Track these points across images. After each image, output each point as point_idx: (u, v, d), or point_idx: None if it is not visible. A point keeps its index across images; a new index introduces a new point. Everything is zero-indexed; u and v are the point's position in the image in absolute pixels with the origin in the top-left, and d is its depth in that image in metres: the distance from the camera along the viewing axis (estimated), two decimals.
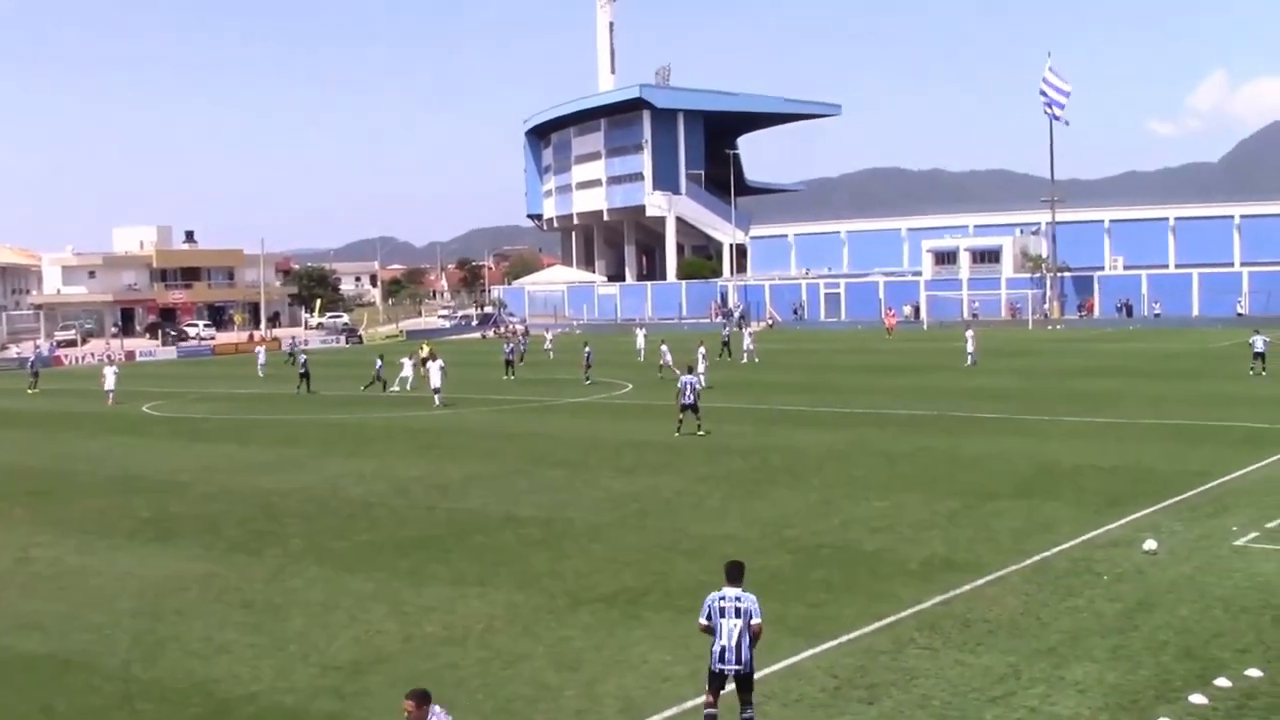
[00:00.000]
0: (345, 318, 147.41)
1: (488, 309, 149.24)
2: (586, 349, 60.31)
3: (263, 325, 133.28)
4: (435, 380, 48.53)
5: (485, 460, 33.50)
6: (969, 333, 64.47)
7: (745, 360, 67.39)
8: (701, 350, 54.90)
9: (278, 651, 16.42)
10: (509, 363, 62.48)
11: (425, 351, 58.70)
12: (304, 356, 62.51)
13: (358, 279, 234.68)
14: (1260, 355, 52.24)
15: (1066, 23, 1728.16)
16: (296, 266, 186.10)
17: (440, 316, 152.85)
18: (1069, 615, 16.88)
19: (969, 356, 61.00)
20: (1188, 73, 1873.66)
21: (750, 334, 75.55)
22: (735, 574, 12.87)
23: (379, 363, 57.72)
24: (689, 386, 37.07)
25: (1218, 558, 19.83)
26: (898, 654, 15.43)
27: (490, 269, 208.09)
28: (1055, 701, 13.63)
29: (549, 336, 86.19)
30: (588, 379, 57.32)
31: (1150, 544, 20.38)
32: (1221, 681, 13.95)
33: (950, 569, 19.59)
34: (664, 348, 60.30)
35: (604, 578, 19.82)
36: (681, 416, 36.95)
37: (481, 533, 23.82)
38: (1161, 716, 13.08)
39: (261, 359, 73.03)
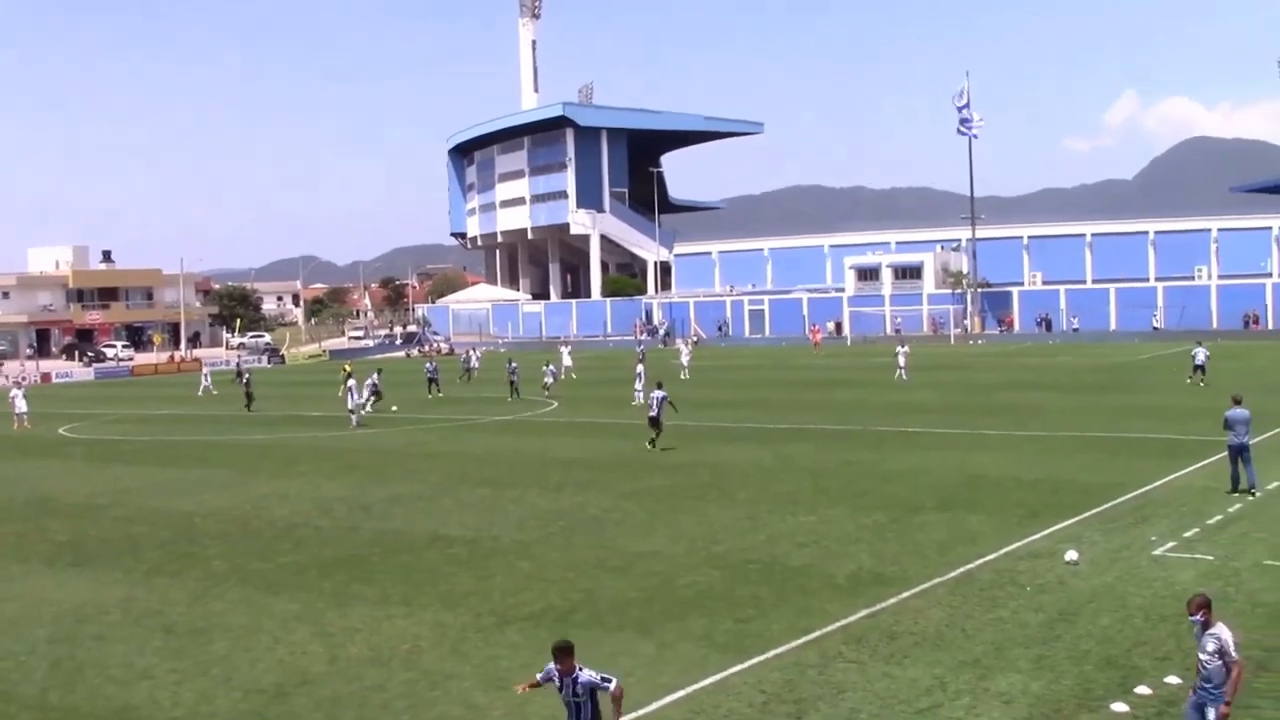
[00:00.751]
0: (267, 337, 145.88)
1: (411, 328, 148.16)
2: (512, 365, 60.36)
3: (183, 345, 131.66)
4: (350, 400, 48.40)
5: (410, 479, 33.26)
6: (903, 348, 65.10)
7: (683, 376, 67.24)
8: (640, 369, 54.98)
9: (200, 676, 16.17)
10: (432, 380, 62.34)
11: (346, 371, 58.30)
12: (248, 375, 61.98)
13: (280, 298, 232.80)
14: (1200, 367, 53.34)
15: (985, 42, 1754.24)
16: (217, 286, 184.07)
17: (352, 338, 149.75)
18: (993, 626, 17.04)
19: (900, 371, 61.55)
20: (1102, 91, 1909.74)
21: (689, 350, 75.65)
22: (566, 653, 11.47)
23: (375, 377, 56.58)
24: (655, 401, 37.43)
25: (1137, 567, 20.11)
26: (825, 668, 15.49)
27: (414, 288, 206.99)
28: (981, 713, 13.74)
29: (475, 355, 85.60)
30: (515, 396, 57.53)
31: (1071, 555, 20.63)
32: (1142, 689, 14.14)
33: (876, 582, 19.71)
34: (547, 367, 61.10)
35: (531, 596, 19.73)
36: (656, 433, 37.26)
37: (407, 552, 23.63)
38: None
39: (207, 380, 71.88)
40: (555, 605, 19.08)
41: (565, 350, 77.51)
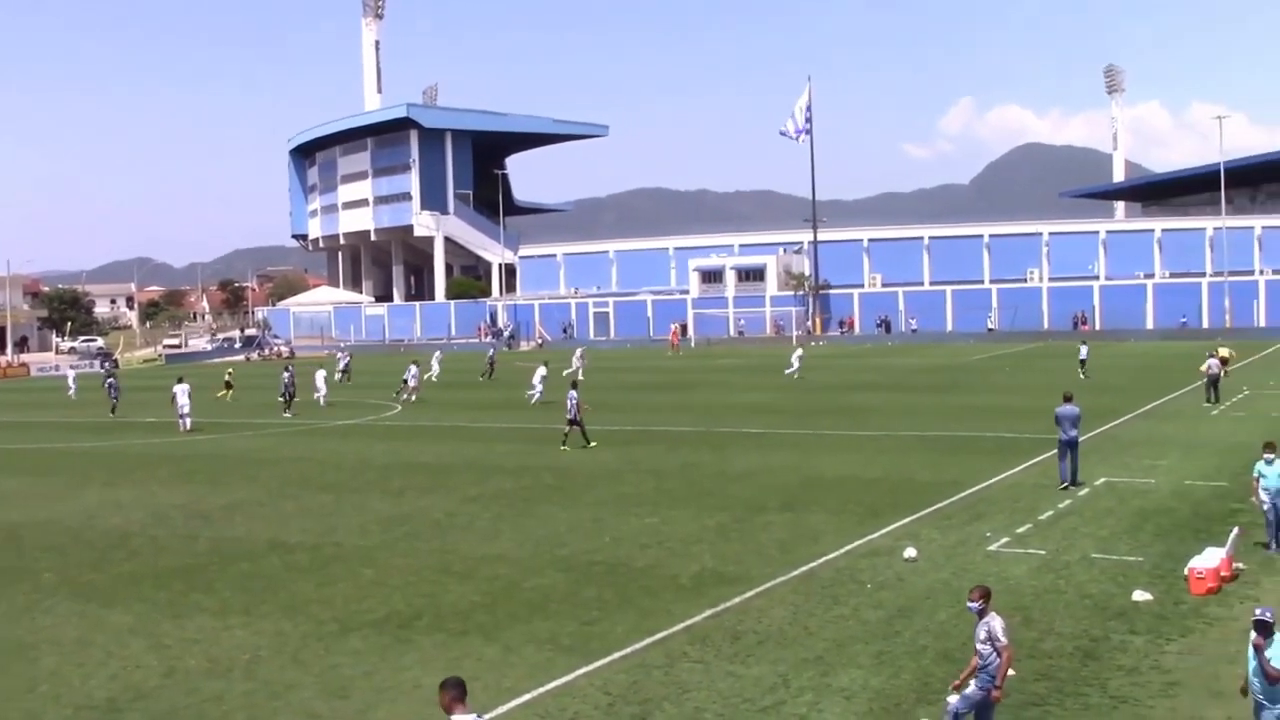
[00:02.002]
0: (100, 341, 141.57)
1: (250, 331, 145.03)
2: (413, 367, 58.96)
3: (9, 350, 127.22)
4: (175, 404, 47.05)
5: (250, 486, 32.58)
6: (799, 350, 67.98)
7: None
8: (542, 371, 53.83)
9: (26, 693, 15.61)
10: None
11: (228, 376, 57.09)
12: (113, 380, 60.23)
13: (113, 301, 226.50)
14: (1083, 361, 59.41)
15: (823, 48, 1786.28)
16: (46, 289, 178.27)
17: (166, 347, 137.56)
18: (835, 624, 17.31)
19: (793, 371, 63.55)
20: (938, 98, 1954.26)
21: (580, 357, 70.01)
22: None
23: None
24: (571, 402, 37.57)
25: (972, 563, 20.63)
26: (670, 668, 15.57)
27: (254, 290, 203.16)
28: (823, 709, 13.95)
29: (344, 356, 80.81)
30: (405, 396, 56.78)
31: (910, 552, 21.10)
32: None
33: (720, 582, 19.88)
34: (413, 368, 60.15)
35: (374, 602, 19.48)
36: (568, 431, 37.32)
37: (246, 560, 23.13)
38: (923, 718, 13.55)
39: (73, 384, 70.81)
40: (399, 611, 18.87)
41: (436, 356, 75.88)
